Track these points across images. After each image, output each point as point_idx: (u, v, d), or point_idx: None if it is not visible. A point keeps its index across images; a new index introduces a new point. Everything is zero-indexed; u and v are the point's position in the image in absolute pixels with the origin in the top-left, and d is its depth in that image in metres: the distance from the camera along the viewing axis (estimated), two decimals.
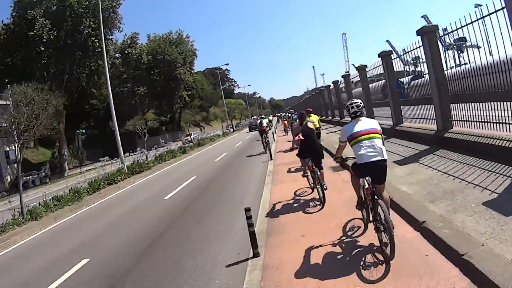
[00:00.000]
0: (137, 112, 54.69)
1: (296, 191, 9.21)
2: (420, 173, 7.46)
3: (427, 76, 10.24)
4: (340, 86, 25.18)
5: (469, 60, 9.81)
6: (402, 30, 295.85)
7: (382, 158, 4.67)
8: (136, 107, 54.69)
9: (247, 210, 5.78)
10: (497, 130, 7.20)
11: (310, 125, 8.20)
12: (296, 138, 8.21)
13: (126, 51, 48.46)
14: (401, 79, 14.76)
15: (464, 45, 14.65)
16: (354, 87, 22.52)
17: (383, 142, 4.84)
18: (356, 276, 4.38)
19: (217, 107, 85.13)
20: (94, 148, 49.74)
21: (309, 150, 7.94)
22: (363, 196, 5.37)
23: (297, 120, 9.25)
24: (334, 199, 7.66)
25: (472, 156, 7.35)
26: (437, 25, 9.54)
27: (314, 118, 13.13)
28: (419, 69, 14.01)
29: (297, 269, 4.94)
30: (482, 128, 7.73)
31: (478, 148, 7.41)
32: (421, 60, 10.78)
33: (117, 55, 47.69)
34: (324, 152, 10.15)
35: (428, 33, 9.41)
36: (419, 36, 9.73)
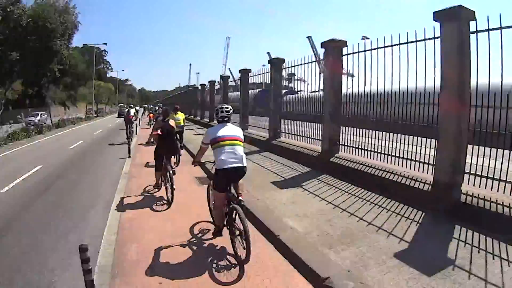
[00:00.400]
0: (3, 80, 47.88)
1: (145, 188, 8.60)
2: (307, 203, 6.28)
3: (302, 93, 11.18)
4: (216, 87, 24.64)
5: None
6: (285, 43, 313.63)
7: (242, 165, 4.76)
8: (4, 74, 46.59)
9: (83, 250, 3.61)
10: (390, 162, 7.03)
11: (172, 123, 8.20)
12: (155, 132, 8.04)
13: (8, 9, 40.99)
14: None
15: (292, 78, 15.90)
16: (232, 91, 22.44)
17: (243, 150, 4.91)
18: (209, 277, 4.30)
19: (87, 87, 75.75)
20: None
21: (166, 147, 7.88)
22: (222, 226, 5.09)
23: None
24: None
25: (362, 188, 6.95)
26: (283, 59, 11.94)
27: (180, 116, 13.04)
28: (291, 85, 14.72)
29: (147, 267, 4.60)
30: (372, 158, 7.52)
31: (366, 178, 7.09)
32: (295, 77, 11.67)
33: None
34: (186, 153, 11.72)
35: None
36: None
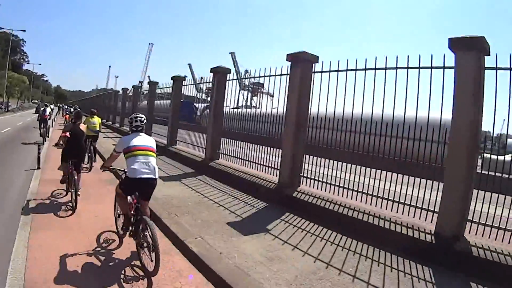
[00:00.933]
0: None
1: (53, 192, 8.14)
2: (287, 259, 4.79)
3: (227, 108, 10.63)
4: (129, 94, 24.11)
5: (258, 104, 11.19)
6: (206, 58, 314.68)
7: (154, 177, 4.79)
8: None
9: None
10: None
11: (82, 127, 8.14)
12: (63, 134, 7.97)
13: None
14: (197, 104, 13.97)
15: (260, 89, 15.44)
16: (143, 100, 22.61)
17: (156, 162, 4.94)
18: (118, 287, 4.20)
19: None
20: None
21: (74, 151, 7.69)
22: (129, 215, 5.06)
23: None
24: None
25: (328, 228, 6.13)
26: (230, 69, 10.74)
27: (96, 120, 12.29)
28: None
29: (55, 276, 4.34)
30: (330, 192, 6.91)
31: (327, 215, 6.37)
32: (262, 90, 10.70)
33: None
34: (99, 158, 11.59)
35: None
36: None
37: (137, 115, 5.14)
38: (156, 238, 4.28)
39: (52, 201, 7.49)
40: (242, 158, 9.36)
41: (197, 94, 16.76)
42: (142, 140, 4.94)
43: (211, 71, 10.93)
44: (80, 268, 4.58)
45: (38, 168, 10.71)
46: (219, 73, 10.63)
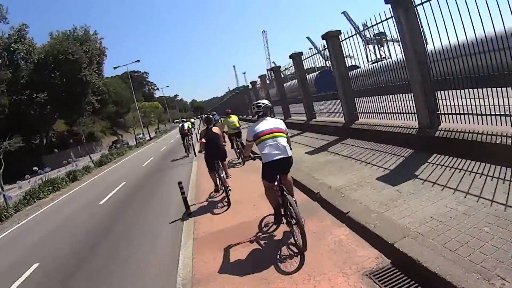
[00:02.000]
0: (38, 123, 46.91)
1: (210, 193, 9.40)
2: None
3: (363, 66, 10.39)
4: (258, 85, 25.01)
5: (389, 53, 10.28)
6: (323, 24, 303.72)
7: (287, 156, 4.94)
8: (37, 117, 44.92)
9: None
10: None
11: (215, 129, 8.68)
12: (199, 141, 9.00)
13: (11, 47, 37.76)
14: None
15: (384, 39, 14.48)
16: (274, 86, 22.11)
17: (287, 140, 5.14)
18: (274, 268, 4.59)
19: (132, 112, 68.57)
20: None
21: (212, 153, 8.51)
22: (279, 207, 5.45)
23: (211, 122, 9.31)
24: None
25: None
26: (339, 30, 10.53)
27: (234, 118, 13.21)
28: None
29: (218, 267, 5.07)
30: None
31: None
32: (344, 54, 10.68)
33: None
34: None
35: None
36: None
37: (256, 102, 5.47)
38: (298, 214, 4.52)
39: (209, 202, 8.66)
40: (379, 112, 9.43)
41: (326, 63, 16.77)
42: (267, 124, 5.19)
43: (322, 38, 11.11)
44: (243, 254, 5.24)
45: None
46: (330, 37, 10.76)
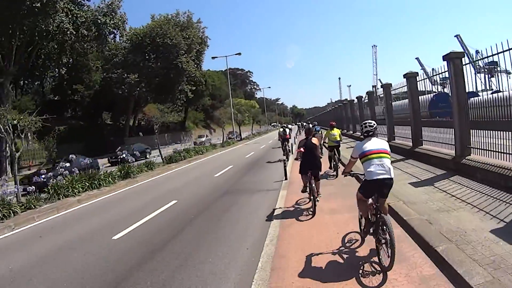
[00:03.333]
0: (129, 104, 48.18)
1: (297, 201, 9.76)
2: None
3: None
4: (364, 101, 24.42)
5: (498, 85, 9.26)
6: (432, 47, 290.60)
7: (390, 177, 5.08)
8: (126, 98, 45.50)
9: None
10: None
11: (314, 140, 8.95)
12: (297, 150, 9.33)
13: (98, 20, 33.94)
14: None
15: (495, 69, 13.05)
16: (380, 103, 22.26)
17: (390, 162, 5.24)
18: (355, 281, 4.82)
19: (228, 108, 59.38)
20: (75, 142, 38.53)
21: (308, 163, 8.76)
22: (368, 217, 5.56)
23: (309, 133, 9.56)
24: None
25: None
26: (463, 52, 9.78)
27: (336, 131, 13.75)
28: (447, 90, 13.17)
29: (300, 271, 5.38)
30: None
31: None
32: (497, 69, 9.30)
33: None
34: (341, 165, 12.85)
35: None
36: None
37: (366, 121, 5.60)
38: (392, 234, 4.69)
39: (295, 208, 9.08)
40: (501, 151, 8.03)
41: (432, 88, 15.81)
42: (374, 144, 5.34)
43: (443, 59, 10.11)
44: (324, 265, 5.48)
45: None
46: (453, 59, 9.68)
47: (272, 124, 77.86)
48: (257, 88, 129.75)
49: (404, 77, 14.16)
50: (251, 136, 63.09)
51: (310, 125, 16.83)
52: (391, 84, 17.37)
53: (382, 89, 18.44)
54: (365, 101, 24.61)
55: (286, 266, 5.62)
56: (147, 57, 44.17)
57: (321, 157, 9.43)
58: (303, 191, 9.13)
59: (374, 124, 5.55)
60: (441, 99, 12.52)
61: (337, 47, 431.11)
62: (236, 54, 52.89)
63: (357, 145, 5.53)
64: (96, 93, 50.45)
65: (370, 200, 5.48)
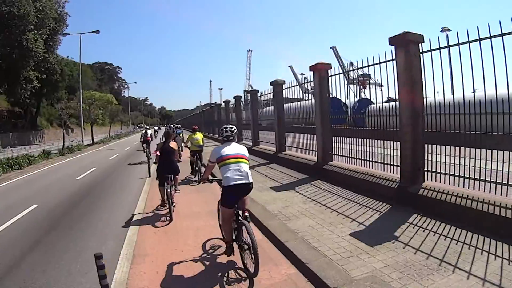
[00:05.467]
0: None
1: (157, 206, 9.30)
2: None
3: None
4: (231, 105, 25.06)
5: (370, 96, 10.32)
6: (309, 57, 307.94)
7: (248, 182, 5.12)
8: None
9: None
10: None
11: (172, 144, 8.94)
12: (153, 153, 9.44)
13: None
14: (345, 101, 12.94)
15: (368, 81, 14.40)
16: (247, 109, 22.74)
17: (248, 167, 5.27)
18: None
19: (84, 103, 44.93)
20: None
21: (164, 167, 8.70)
22: (232, 240, 5.43)
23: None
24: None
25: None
26: (330, 64, 10.44)
27: (199, 135, 13.35)
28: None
29: (158, 281, 5.04)
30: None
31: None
32: (371, 81, 10.24)
33: None
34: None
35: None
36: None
37: (226, 126, 5.62)
38: (254, 239, 4.64)
39: (154, 214, 8.70)
40: (357, 157, 8.94)
41: (303, 96, 16.57)
42: (232, 148, 5.33)
43: (310, 70, 10.82)
44: (184, 273, 5.22)
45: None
46: (319, 70, 10.40)
47: (139, 125, 71.79)
48: (126, 86, 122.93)
49: (270, 84, 14.80)
50: (107, 139, 51.00)
51: (171, 129, 16.62)
52: (257, 90, 18.07)
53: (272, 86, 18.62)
54: (231, 105, 25.23)
55: (141, 277, 5.20)
56: None
57: (179, 161, 9.46)
58: (162, 204, 9.06)
59: (235, 129, 5.60)
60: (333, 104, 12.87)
61: (210, 49, 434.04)
62: (93, 31, 40.71)
63: (215, 149, 5.47)
64: None
65: (233, 214, 5.33)
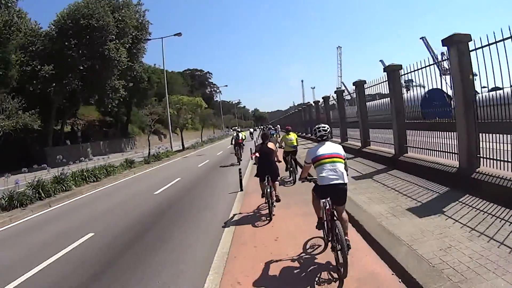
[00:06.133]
0: (51, 104, 36.16)
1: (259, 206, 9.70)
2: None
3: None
4: (331, 103, 23.92)
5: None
6: (399, 49, 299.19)
7: (343, 182, 5.15)
8: (45, 96, 34.15)
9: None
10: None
11: (270, 145, 9.15)
12: (252, 154, 9.61)
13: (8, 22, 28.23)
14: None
15: (410, 85, 14.27)
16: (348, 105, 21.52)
17: (345, 167, 5.37)
18: None
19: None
20: None
21: (264, 168, 8.93)
22: (323, 217, 5.70)
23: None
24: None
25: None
26: (400, 65, 11.22)
27: (292, 136, 13.44)
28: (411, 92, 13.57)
29: (255, 280, 5.31)
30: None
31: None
32: (413, 84, 11.46)
33: None
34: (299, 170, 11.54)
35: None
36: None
37: (319, 126, 5.69)
38: (343, 241, 4.70)
39: (254, 213, 9.17)
40: (426, 148, 9.99)
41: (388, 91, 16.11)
42: (327, 148, 5.41)
43: (384, 71, 11.84)
44: (282, 271, 5.52)
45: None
46: (391, 71, 11.48)
47: (233, 128, 70.37)
48: (218, 90, 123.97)
49: (353, 85, 15.70)
50: (199, 144, 48.47)
51: (266, 130, 17.36)
52: (343, 90, 18.82)
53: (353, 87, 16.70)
54: (321, 105, 25.74)
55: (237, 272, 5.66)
56: (66, 43, 33.88)
57: (279, 162, 9.45)
58: (263, 195, 9.19)
59: (328, 128, 5.67)
60: (436, 96, 12.16)
61: (300, 48, 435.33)
62: (175, 34, 38.72)
63: (310, 150, 5.60)
64: (14, 91, 35.02)
65: (325, 204, 5.47)
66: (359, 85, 15.30)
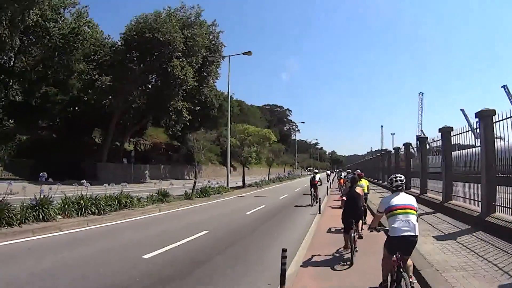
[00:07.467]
0: (111, 118, 35.50)
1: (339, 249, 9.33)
2: None
3: None
4: (401, 153, 24.20)
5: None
6: (479, 98, 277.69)
7: (414, 234, 5.11)
8: (99, 108, 33.77)
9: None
10: None
11: (358, 190, 9.18)
12: (339, 198, 9.97)
13: (75, 30, 31.13)
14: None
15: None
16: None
17: (417, 219, 5.29)
18: None
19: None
20: (42, 157, 29.70)
21: (350, 212, 8.79)
22: (388, 278, 5.58)
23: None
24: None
25: None
26: (494, 110, 9.88)
27: (364, 182, 13.55)
28: None
29: None
30: None
31: None
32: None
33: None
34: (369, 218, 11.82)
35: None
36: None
37: (396, 176, 5.77)
38: None
39: (333, 255, 8.82)
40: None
41: (475, 141, 15.29)
42: (401, 199, 5.41)
43: (476, 116, 10.59)
44: None
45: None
46: (485, 116, 10.19)
47: (308, 168, 64.87)
48: (296, 129, 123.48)
49: (439, 131, 14.45)
50: (264, 182, 43.54)
51: (350, 175, 17.01)
52: (427, 137, 17.62)
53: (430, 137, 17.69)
54: (401, 152, 24.76)
55: None
56: (127, 55, 33.00)
57: (365, 206, 9.78)
58: (345, 247, 9.00)
59: (403, 179, 5.72)
60: None
61: (381, 93, 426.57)
62: (244, 53, 32.05)
63: (383, 200, 5.65)
64: (74, 100, 39.21)
65: (394, 257, 5.38)
66: (445, 132, 14.04)
